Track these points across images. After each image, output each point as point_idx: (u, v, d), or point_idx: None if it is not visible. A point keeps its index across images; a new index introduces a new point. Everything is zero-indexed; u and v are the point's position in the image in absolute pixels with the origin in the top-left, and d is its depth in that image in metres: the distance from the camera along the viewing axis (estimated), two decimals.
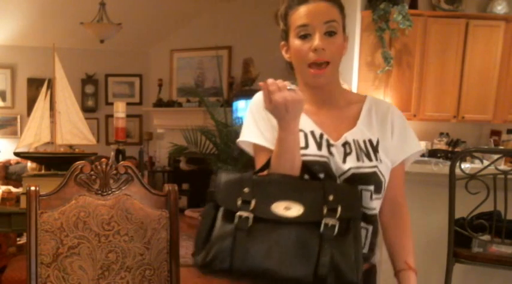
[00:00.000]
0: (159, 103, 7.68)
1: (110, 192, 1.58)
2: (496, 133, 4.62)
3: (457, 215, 2.55)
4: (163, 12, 7.03)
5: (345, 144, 1.32)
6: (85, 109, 7.49)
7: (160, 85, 7.74)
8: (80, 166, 1.56)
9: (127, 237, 1.57)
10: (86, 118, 3.93)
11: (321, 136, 1.32)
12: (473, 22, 4.52)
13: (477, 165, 2.82)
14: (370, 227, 1.34)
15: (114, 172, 1.59)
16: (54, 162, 3.20)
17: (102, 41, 5.86)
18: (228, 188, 1.23)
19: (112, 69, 8.01)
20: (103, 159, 1.60)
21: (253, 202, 1.19)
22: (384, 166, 1.34)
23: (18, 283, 2.63)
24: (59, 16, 6.71)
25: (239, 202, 1.20)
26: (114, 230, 1.56)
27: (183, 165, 7.41)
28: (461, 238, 2.56)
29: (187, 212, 6.96)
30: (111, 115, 3.23)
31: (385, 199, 1.37)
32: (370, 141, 1.34)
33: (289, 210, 1.19)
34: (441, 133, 4.54)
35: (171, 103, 7.63)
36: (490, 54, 4.57)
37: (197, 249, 1.22)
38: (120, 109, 2.82)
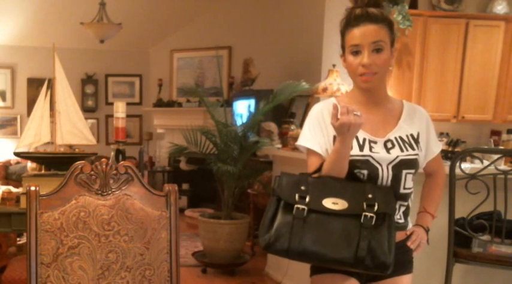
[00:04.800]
0: (159, 103, 7.67)
1: (110, 192, 1.58)
2: (496, 133, 4.62)
3: (457, 215, 2.55)
4: (163, 12, 7.03)
5: (387, 141, 1.62)
6: (85, 109, 7.50)
7: (160, 85, 7.74)
8: (80, 166, 1.56)
9: (127, 237, 1.57)
10: (86, 118, 3.93)
11: (364, 140, 1.60)
12: (473, 22, 4.52)
13: (477, 165, 2.82)
14: (407, 204, 1.65)
15: (114, 172, 1.59)
16: (54, 162, 3.19)
17: (102, 41, 5.86)
18: (288, 186, 1.56)
19: (112, 69, 8.01)
20: (103, 159, 1.60)
21: (308, 198, 1.52)
22: (423, 154, 1.67)
23: (18, 283, 2.63)
24: (59, 16, 6.71)
25: (297, 197, 1.53)
26: (114, 230, 1.56)
27: (183, 165, 7.41)
28: (461, 238, 2.56)
29: (187, 212, 6.96)
30: (111, 115, 3.22)
31: (428, 167, 1.76)
32: (412, 135, 1.66)
33: (336, 204, 1.51)
34: (441, 133, 4.53)
35: (171, 103, 7.62)
36: (490, 54, 4.57)
37: (262, 233, 1.54)
38: (120, 110, 2.81)
